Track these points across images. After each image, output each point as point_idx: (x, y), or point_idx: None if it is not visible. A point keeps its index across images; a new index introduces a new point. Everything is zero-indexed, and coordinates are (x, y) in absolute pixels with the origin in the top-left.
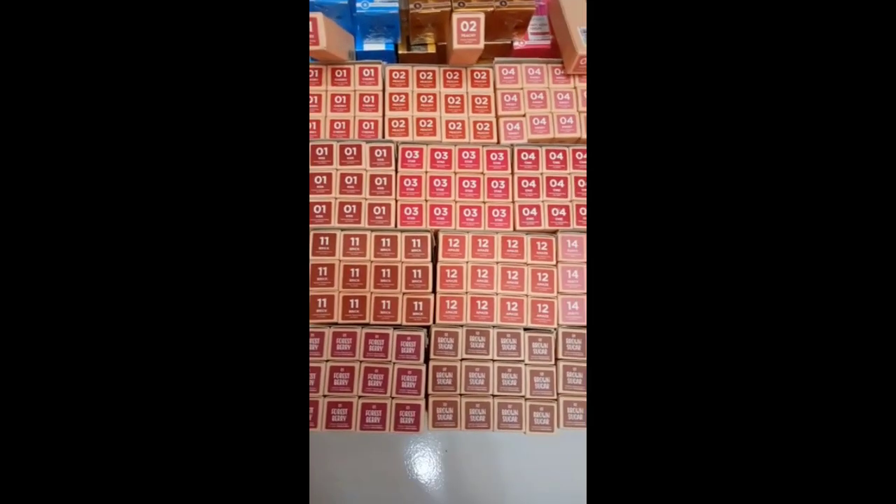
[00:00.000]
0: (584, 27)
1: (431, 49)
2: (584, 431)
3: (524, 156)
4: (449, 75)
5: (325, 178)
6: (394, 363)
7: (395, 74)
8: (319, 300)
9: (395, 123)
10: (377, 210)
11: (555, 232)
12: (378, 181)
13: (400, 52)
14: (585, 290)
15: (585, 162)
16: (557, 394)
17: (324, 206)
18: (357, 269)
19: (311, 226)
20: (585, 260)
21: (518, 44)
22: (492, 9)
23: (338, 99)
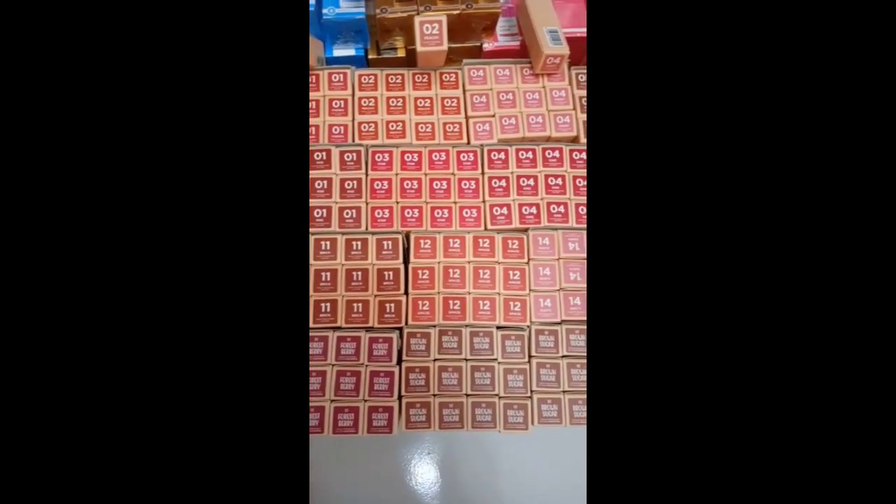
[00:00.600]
0: (551, 27)
1: (401, 53)
2: (559, 428)
3: (494, 155)
4: (418, 78)
5: None
6: (366, 366)
7: (364, 79)
8: None
9: (364, 127)
10: (347, 213)
11: (526, 230)
12: (348, 184)
13: (370, 56)
14: (558, 287)
15: (555, 160)
16: (531, 391)
17: None
18: (328, 273)
19: None
20: (557, 257)
21: (487, 45)
22: (458, 11)
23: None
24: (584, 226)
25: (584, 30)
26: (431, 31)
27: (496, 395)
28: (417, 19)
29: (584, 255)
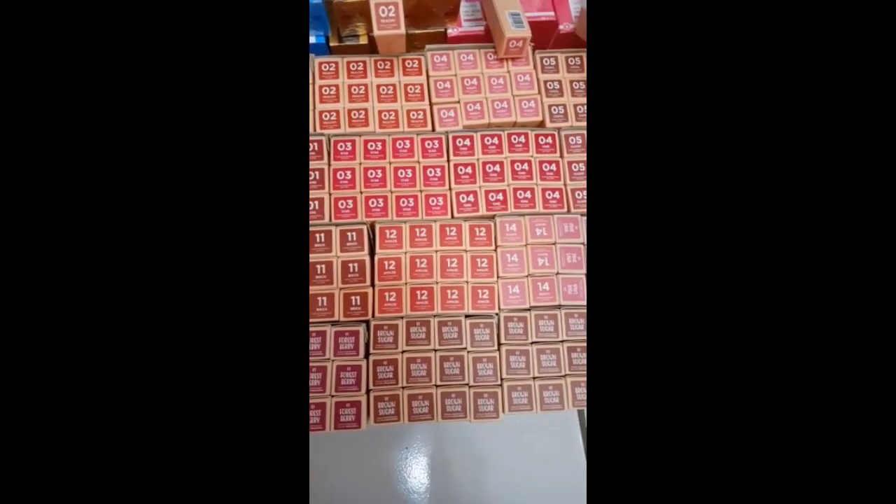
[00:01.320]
0: (513, 10)
1: (363, 41)
2: (530, 415)
3: (459, 142)
4: (380, 65)
5: None
6: (332, 360)
7: (325, 66)
8: None
9: (325, 116)
10: (310, 205)
11: (493, 217)
12: (310, 175)
13: (332, 44)
14: (526, 273)
15: (521, 145)
16: (501, 379)
17: None
18: None
19: None
20: (525, 243)
21: (452, 31)
22: None
23: None
24: (551, 211)
25: (551, 14)
26: (388, 13)
27: (466, 384)
28: (373, 2)
29: (552, 240)
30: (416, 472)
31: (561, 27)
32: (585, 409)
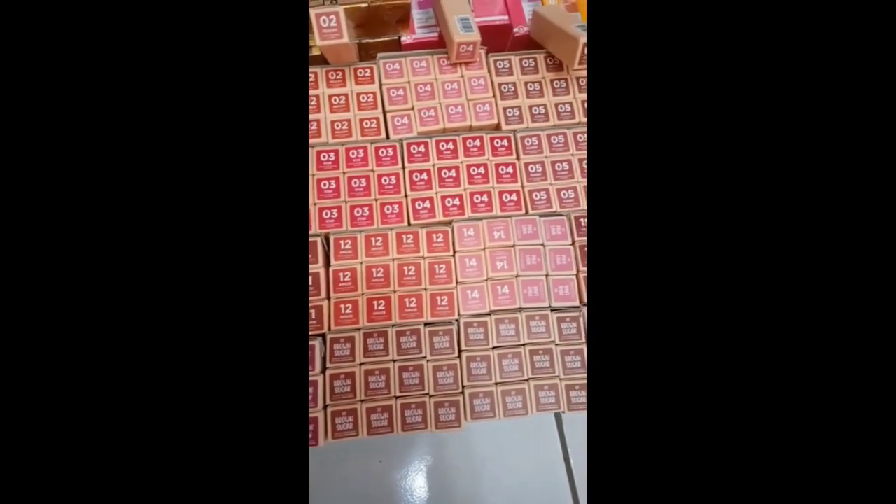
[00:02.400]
0: (461, 15)
1: (317, 51)
2: (494, 422)
3: (414, 149)
4: (332, 75)
5: None
6: None
7: None
8: None
9: None
10: None
11: (450, 222)
12: None
13: None
14: (485, 278)
15: (476, 149)
16: (462, 387)
17: None
18: None
19: None
20: (483, 247)
21: (406, 38)
22: (365, 4)
23: None
24: (509, 214)
25: (505, 17)
26: (329, 23)
27: (426, 393)
28: (313, 12)
29: (511, 242)
30: (387, 485)
31: (515, 30)
32: (559, 412)
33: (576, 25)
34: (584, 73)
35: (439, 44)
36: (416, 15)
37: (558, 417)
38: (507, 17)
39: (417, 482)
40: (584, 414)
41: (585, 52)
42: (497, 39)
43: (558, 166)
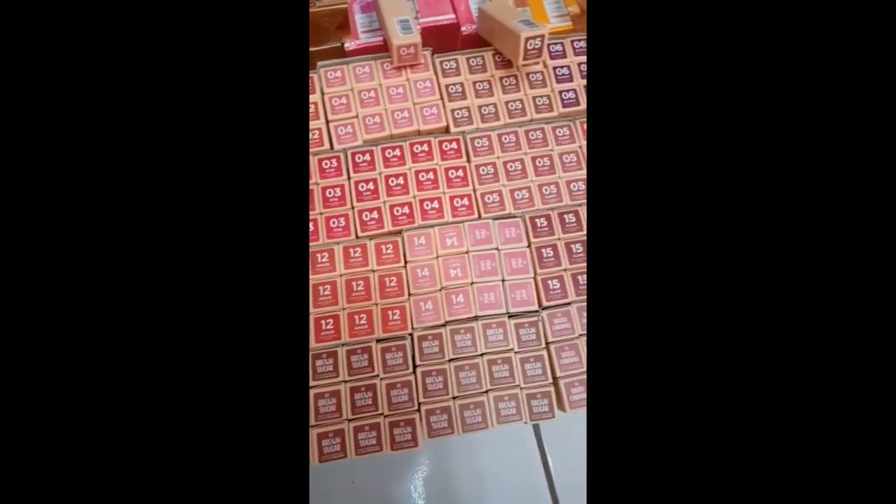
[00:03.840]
0: (401, 17)
1: None
2: (452, 438)
3: (359, 158)
4: None
5: None
6: None
7: None
8: None
9: None
10: None
11: (399, 232)
12: None
13: None
14: (439, 287)
15: (424, 154)
16: (418, 404)
17: None
18: None
19: None
20: (435, 255)
21: (349, 45)
22: None
23: None
24: (461, 219)
25: (452, 16)
26: None
27: (380, 414)
28: None
29: (464, 248)
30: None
31: (463, 29)
32: (539, 422)
33: (519, 21)
34: (536, 67)
35: (384, 48)
36: (359, 19)
37: (536, 428)
38: (454, 17)
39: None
40: (561, 419)
41: (529, 47)
42: (446, 39)
43: (510, 166)
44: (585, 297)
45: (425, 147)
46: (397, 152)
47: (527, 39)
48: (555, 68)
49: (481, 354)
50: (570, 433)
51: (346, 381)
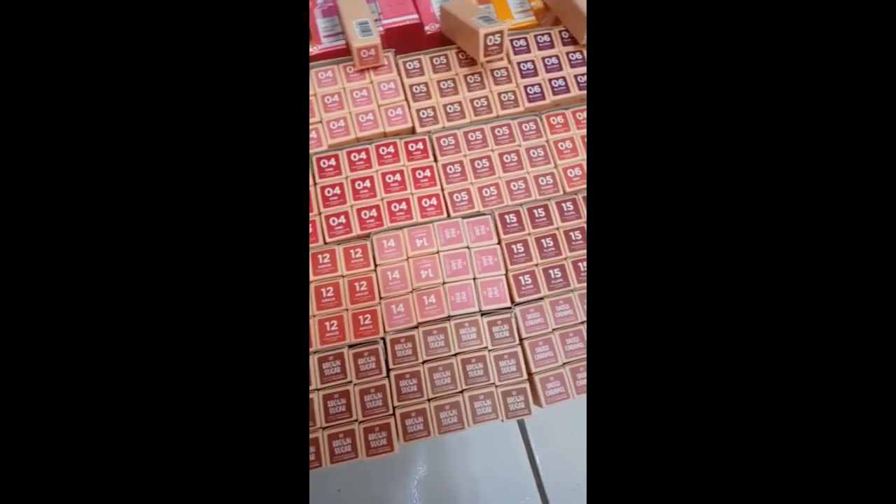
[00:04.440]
0: (360, 19)
1: None
2: (429, 440)
3: (324, 163)
4: None
5: None
6: None
7: None
8: None
9: None
10: None
11: (368, 235)
12: None
13: None
14: (410, 289)
15: (390, 156)
16: (393, 408)
17: None
18: None
19: None
20: (405, 257)
21: (312, 49)
22: None
23: None
24: (430, 219)
25: (415, 16)
26: None
27: (355, 420)
28: None
29: (434, 249)
30: None
31: (427, 28)
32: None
33: (478, 17)
34: (500, 64)
35: (347, 51)
36: (321, 24)
37: (521, 424)
38: (417, 17)
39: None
40: (547, 415)
41: (489, 43)
42: (410, 40)
43: (478, 164)
44: (558, 291)
45: (391, 149)
46: (363, 155)
47: (486, 36)
48: (519, 63)
49: (455, 354)
50: (554, 428)
51: (318, 390)
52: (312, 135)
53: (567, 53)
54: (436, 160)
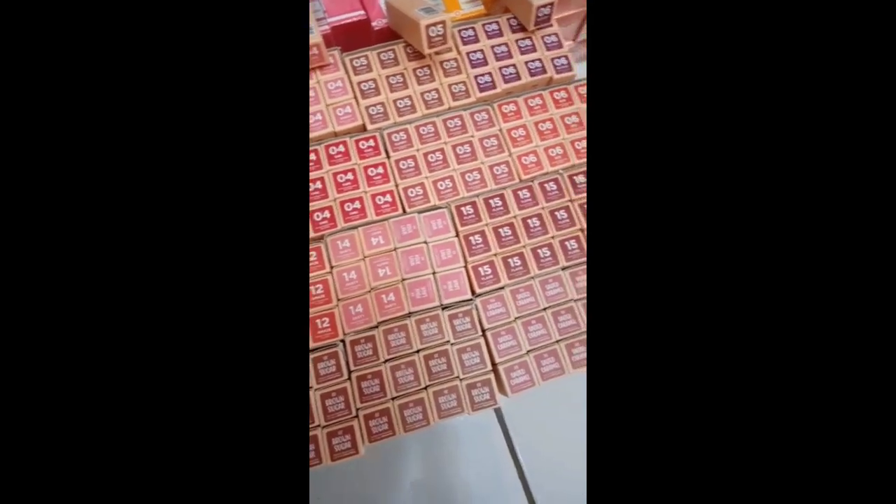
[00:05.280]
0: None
1: None
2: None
3: None
4: None
5: None
6: None
7: None
8: None
9: None
10: None
11: (321, 237)
12: None
13: None
14: (368, 289)
15: (340, 155)
16: (356, 410)
17: None
18: None
19: None
20: (362, 257)
21: None
22: None
23: None
24: (385, 216)
25: (362, 12)
26: None
27: (318, 426)
28: None
29: (391, 246)
30: None
31: (374, 24)
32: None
33: (419, 9)
34: (450, 55)
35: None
36: None
37: (499, 412)
38: (363, 13)
39: None
40: (522, 402)
41: (431, 34)
42: (359, 37)
43: (431, 157)
44: (518, 279)
45: (341, 148)
46: (313, 156)
47: (427, 27)
48: (468, 54)
49: (417, 351)
50: (531, 414)
51: None
52: None
53: (516, 41)
54: (388, 156)
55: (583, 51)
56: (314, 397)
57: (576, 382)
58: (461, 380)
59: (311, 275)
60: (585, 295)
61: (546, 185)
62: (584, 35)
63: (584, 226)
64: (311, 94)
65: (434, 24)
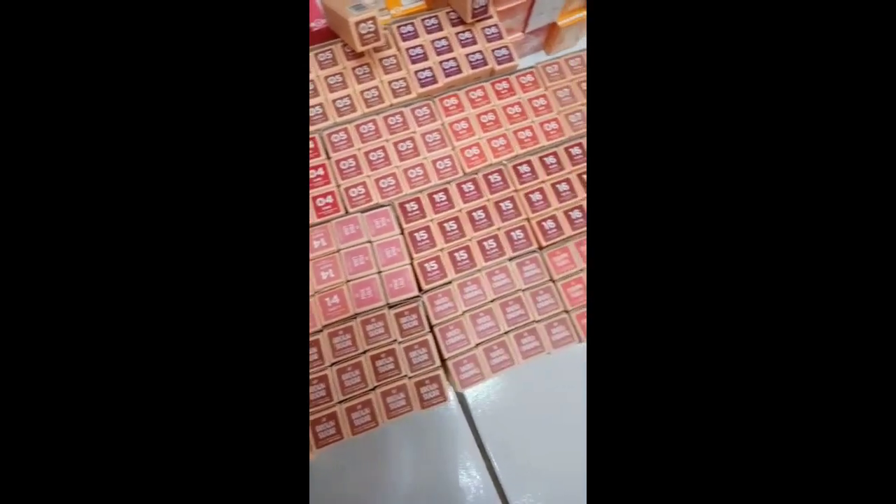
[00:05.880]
0: None
1: None
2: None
3: None
4: None
5: None
6: None
7: None
8: None
9: None
10: None
11: None
12: None
13: None
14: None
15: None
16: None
17: None
18: None
19: None
20: (336, 249)
21: None
22: None
23: None
24: (327, 218)
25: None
26: None
27: None
28: None
29: (334, 248)
30: None
31: (313, 25)
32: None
33: (350, 6)
34: (389, 52)
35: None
36: None
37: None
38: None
39: None
40: (473, 395)
41: (362, 31)
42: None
43: (372, 156)
44: (465, 273)
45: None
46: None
47: (357, 24)
48: (408, 50)
49: (363, 352)
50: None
51: None
52: None
53: (456, 34)
54: (328, 157)
55: (535, 41)
56: None
57: (530, 371)
58: (409, 378)
59: None
60: (532, 284)
61: (490, 176)
62: (533, 25)
63: (531, 215)
64: None
65: (364, 21)
